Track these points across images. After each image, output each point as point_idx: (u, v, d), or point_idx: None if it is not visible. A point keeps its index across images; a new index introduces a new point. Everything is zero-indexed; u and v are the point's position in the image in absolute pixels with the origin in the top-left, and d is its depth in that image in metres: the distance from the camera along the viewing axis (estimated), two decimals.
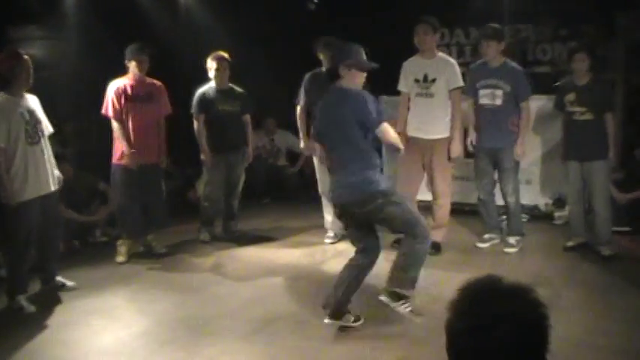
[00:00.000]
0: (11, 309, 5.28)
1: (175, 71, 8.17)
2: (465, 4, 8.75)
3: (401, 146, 4.91)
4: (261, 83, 8.20)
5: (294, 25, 8.84)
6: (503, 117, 6.45)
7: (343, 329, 4.63)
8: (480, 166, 6.66)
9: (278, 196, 9.32)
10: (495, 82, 6.40)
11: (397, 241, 6.60)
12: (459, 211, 7.47)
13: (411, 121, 6.47)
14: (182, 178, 8.88)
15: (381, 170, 4.79)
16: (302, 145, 7.14)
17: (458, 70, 6.42)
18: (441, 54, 6.56)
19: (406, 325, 4.73)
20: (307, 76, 6.89)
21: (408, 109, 6.51)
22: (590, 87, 6.16)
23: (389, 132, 4.69)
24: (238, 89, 7.23)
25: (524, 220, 7.45)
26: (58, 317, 5.19)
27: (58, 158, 5.85)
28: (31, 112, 5.33)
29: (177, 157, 8.29)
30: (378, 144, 4.94)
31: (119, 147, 6.47)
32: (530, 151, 7.48)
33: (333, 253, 6.62)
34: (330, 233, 7.02)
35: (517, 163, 6.55)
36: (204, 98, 7.02)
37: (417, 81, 6.40)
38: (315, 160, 6.97)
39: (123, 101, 6.44)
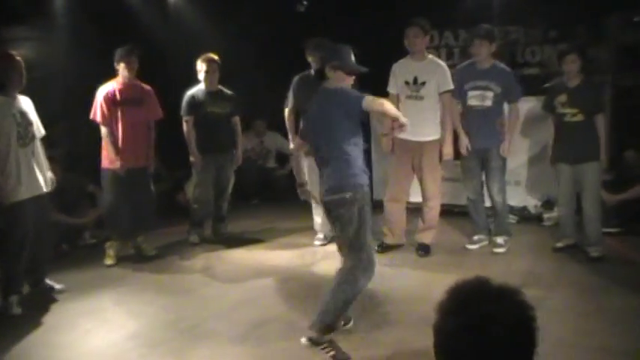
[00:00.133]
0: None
1: (165, 73, 8.16)
2: (454, 5, 8.76)
3: (394, 112, 4.47)
4: (250, 85, 8.19)
5: (284, 26, 8.83)
6: (493, 118, 6.48)
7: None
8: (468, 166, 6.67)
9: (267, 198, 9.33)
10: (486, 83, 6.42)
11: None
12: (448, 212, 7.48)
13: None
14: (171, 180, 8.85)
15: (369, 177, 4.57)
16: (291, 146, 7.13)
17: (448, 73, 6.44)
18: (430, 56, 6.57)
19: (394, 326, 4.76)
20: (296, 78, 6.89)
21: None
22: (581, 88, 6.17)
23: (375, 101, 4.36)
24: (228, 91, 7.22)
25: (512, 221, 7.49)
26: (46, 320, 5.17)
27: (47, 160, 5.83)
28: (23, 114, 5.32)
29: (167, 159, 8.27)
30: (366, 145, 4.86)
31: (108, 152, 6.46)
32: (519, 152, 7.54)
33: (323, 255, 6.62)
34: (320, 235, 7.02)
35: (504, 163, 6.57)
36: (193, 100, 7.01)
37: (406, 83, 6.41)
38: (305, 162, 6.96)
39: (112, 106, 6.42)
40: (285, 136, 7.52)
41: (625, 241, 6.75)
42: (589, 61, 6.45)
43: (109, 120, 6.42)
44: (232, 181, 7.38)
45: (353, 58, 4.56)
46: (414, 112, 6.35)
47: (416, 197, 6.84)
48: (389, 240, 6.69)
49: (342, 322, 4.65)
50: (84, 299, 5.58)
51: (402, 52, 6.49)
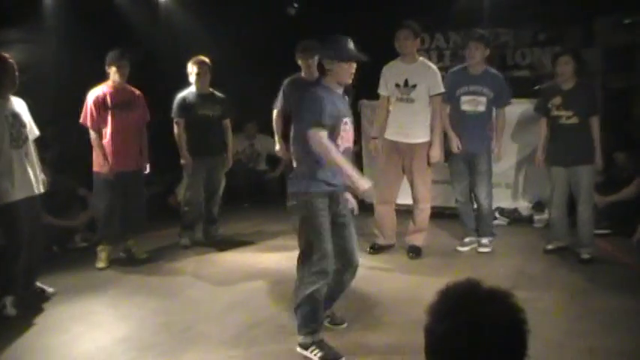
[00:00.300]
0: None
1: (155, 75, 8.15)
2: (445, 8, 8.78)
3: (334, 158, 4.14)
4: (241, 88, 8.18)
5: (275, 29, 8.83)
6: (484, 123, 6.53)
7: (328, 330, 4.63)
8: (457, 170, 6.70)
9: (258, 201, 9.32)
10: (480, 89, 6.44)
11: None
12: (439, 214, 7.50)
13: (391, 125, 6.49)
14: (162, 183, 8.84)
15: (333, 175, 4.29)
16: (277, 148, 7.11)
17: (439, 75, 6.45)
18: (421, 59, 6.59)
19: (386, 328, 4.76)
20: (286, 81, 6.89)
21: (388, 112, 6.53)
22: (576, 91, 6.15)
23: (315, 138, 4.11)
24: (219, 94, 7.22)
25: (503, 223, 7.53)
26: (37, 323, 5.14)
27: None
28: (16, 116, 5.30)
29: (157, 162, 8.25)
30: (357, 147, 4.78)
31: (97, 156, 6.45)
32: (510, 154, 7.56)
33: None
34: None
35: (490, 167, 6.61)
36: (184, 102, 7.00)
37: (397, 86, 6.42)
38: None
39: (102, 110, 6.40)
40: None
41: (615, 242, 6.78)
42: (583, 64, 6.45)
43: (99, 124, 6.40)
44: (223, 183, 7.38)
45: (352, 46, 4.36)
46: (405, 115, 6.39)
47: (406, 199, 6.86)
48: (380, 241, 6.72)
49: (328, 320, 4.71)
50: (75, 302, 5.55)
51: (393, 55, 6.50)
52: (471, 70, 6.51)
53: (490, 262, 6.38)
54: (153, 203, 7.71)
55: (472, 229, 6.79)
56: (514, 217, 7.84)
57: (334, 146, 4.19)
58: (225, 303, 5.47)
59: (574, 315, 4.93)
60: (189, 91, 7.06)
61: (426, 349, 1.66)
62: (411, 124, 6.37)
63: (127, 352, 4.54)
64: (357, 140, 6.43)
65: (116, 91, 6.49)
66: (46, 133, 6.38)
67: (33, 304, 5.48)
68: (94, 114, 6.38)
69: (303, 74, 6.65)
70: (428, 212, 6.64)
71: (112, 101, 6.44)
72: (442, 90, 6.40)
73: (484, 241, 6.68)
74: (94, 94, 6.43)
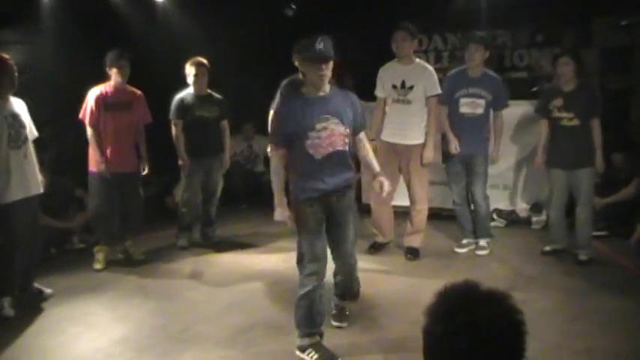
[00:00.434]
0: None
1: (153, 76, 8.13)
2: (442, 10, 8.79)
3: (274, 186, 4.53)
4: (239, 89, 8.18)
5: (273, 30, 8.83)
6: (482, 125, 6.52)
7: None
8: (454, 171, 6.69)
9: (256, 202, 9.29)
10: (479, 91, 6.43)
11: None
12: (437, 216, 7.52)
13: (388, 127, 6.49)
14: (160, 184, 8.82)
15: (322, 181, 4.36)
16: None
17: (436, 77, 6.43)
18: (418, 60, 6.58)
19: (383, 329, 4.77)
20: (284, 82, 6.86)
21: (385, 113, 6.53)
22: (577, 93, 6.10)
23: (272, 160, 4.56)
24: (217, 95, 7.21)
25: (501, 225, 7.52)
26: (34, 324, 5.13)
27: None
28: (15, 116, 5.30)
29: (155, 163, 8.24)
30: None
31: (93, 154, 6.44)
32: (507, 156, 7.56)
33: None
34: None
35: (486, 169, 6.62)
36: (182, 104, 7.00)
37: (394, 87, 6.41)
38: None
39: (102, 109, 6.40)
40: None
41: (612, 244, 6.79)
42: (584, 65, 6.43)
43: (97, 122, 6.40)
44: (221, 185, 7.37)
45: (321, 45, 4.17)
46: (402, 116, 6.39)
47: (403, 201, 6.86)
48: (380, 239, 6.77)
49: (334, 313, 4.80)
50: (72, 303, 5.55)
51: (391, 55, 6.49)
52: (470, 72, 6.50)
53: (488, 263, 6.39)
54: (150, 204, 7.70)
55: (470, 230, 6.79)
56: (512, 219, 7.84)
57: (281, 171, 4.50)
58: (223, 304, 5.47)
59: (571, 316, 4.94)
60: (187, 93, 7.05)
61: (424, 350, 1.66)
62: (408, 125, 6.37)
63: (125, 353, 4.54)
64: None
65: (116, 92, 6.48)
66: (44, 134, 6.38)
67: (31, 305, 5.48)
68: (94, 111, 6.37)
69: (300, 75, 6.63)
70: (425, 214, 6.64)
71: (112, 101, 6.43)
72: (439, 91, 6.39)
73: (482, 242, 6.69)
74: (95, 91, 6.43)
